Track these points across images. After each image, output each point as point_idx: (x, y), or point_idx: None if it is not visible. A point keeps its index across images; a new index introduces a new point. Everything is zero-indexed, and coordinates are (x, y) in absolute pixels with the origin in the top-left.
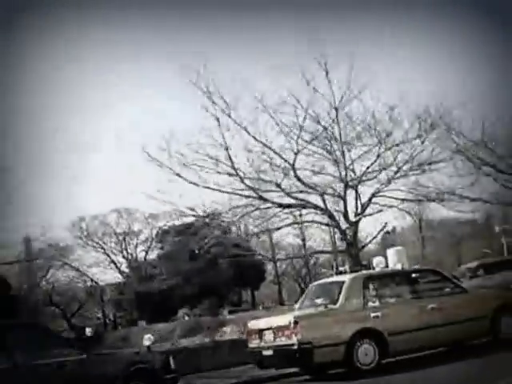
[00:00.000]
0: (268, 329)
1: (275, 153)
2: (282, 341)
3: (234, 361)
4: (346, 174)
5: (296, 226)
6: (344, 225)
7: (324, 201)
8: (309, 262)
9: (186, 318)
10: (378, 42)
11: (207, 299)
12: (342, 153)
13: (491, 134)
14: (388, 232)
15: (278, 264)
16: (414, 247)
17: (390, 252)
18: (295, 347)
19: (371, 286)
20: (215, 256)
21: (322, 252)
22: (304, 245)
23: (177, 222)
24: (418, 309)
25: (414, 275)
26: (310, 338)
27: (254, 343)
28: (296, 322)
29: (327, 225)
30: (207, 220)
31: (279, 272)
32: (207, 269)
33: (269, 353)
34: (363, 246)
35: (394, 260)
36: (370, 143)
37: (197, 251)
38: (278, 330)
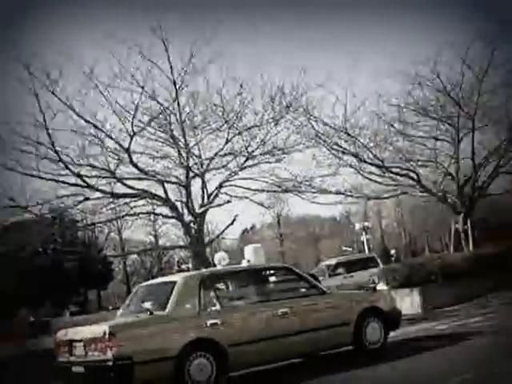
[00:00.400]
0: (79, 340)
1: (107, 135)
2: (95, 356)
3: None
4: (188, 159)
5: (150, 221)
6: (188, 217)
7: (165, 190)
8: (161, 259)
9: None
10: (230, 15)
11: (49, 299)
12: (184, 136)
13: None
14: (247, 229)
15: (129, 262)
16: (273, 244)
17: (247, 249)
18: (110, 364)
19: (210, 287)
20: (59, 253)
21: (166, 248)
22: (157, 241)
23: (19, 219)
24: (267, 314)
25: (263, 274)
26: (130, 353)
27: (63, 357)
28: (112, 333)
29: (167, 217)
30: (50, 216)
31: (129, 271)
32: (50, 267)
33: (79, 370)
34: (210, 242)
35: (251, 258)
36: (218, 126)
37: (40, 249)
38: (89, 343)
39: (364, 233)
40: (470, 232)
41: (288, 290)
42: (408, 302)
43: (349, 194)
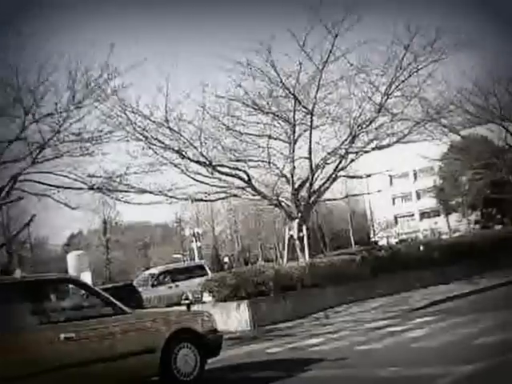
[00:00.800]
0: None
1: None
2: None
3: None
4: None
5: None
6: None
7: None
8: None
9: None
10: None
11: None
12: None
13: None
14: (73, 235)
15: None
16: (99, 252)
17: (70, 257)
18: None
19: None
20: None
21: None
22: None
23: None
24: (46, 339)
25: (40, 288)
26: None
27: None
28: None
29: None
30: None
31: None
32: None
33: None
34: (1, 246)
35: (74, 266)
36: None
37: None
38: None
39: (195, 239)
40: (305, 240)
41: (75, 309)
42: (235, 317)
43: (170, 194)
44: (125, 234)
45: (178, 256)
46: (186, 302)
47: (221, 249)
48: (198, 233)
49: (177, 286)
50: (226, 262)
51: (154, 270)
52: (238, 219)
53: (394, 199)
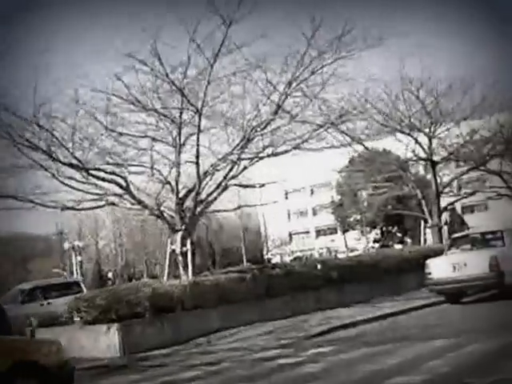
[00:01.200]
0: None
1: None
2: None
3: None
4: None
5: None
6: None
7: None
8: None
9: None
10: None
11: None
12: None
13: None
14: None
15: None
16: None
17: None
18: None
19: None
20: None
21: None
22: None
23: None
24: None
25: None
26: None
27: None
28: None
29: None
30: None
31: None
32: None
33: None
34: None
35: None
36: None
37: None
38: None
39: (75, 254)
40: (189, 255)
41: None
42: (104, 342)
43: (38, 201)
44: (3, 245)
45: (58, 271)
46: (30, 328)
47: (104, 263)
48: (78, 246)
49: (49, 303)
50: (109, 278)
51: (25, 285)
52: (123, 232)
53: (289, 215)
